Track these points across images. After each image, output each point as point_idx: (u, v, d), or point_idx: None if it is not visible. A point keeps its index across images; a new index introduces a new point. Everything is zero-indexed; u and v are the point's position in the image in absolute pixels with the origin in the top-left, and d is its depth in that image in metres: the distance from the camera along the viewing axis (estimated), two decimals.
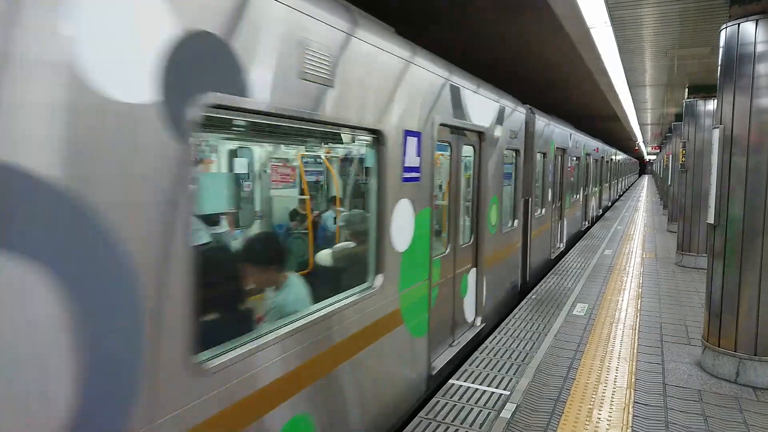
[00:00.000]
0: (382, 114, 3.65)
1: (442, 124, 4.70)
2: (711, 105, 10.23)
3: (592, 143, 16.95)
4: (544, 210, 9.79)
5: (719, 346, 5.09)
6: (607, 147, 21.31)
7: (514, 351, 5.64)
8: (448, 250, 5.34)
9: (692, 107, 10.64)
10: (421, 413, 4.24)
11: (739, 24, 4.86)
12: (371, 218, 3.80)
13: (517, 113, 7.57)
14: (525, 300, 7.72)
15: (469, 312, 6.01)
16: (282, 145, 5.34)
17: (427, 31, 8.21)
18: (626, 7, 5.91)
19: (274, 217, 5.63)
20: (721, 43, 5.09)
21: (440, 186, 5.64)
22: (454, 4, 7.31)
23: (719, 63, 5.14)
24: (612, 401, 4.48)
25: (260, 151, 5.34)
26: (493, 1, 7.18)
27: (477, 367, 5.19)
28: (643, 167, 77.38)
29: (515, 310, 7.16)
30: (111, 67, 1.76)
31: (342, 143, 4.27)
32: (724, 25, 5.04)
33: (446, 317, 5.37)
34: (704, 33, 6.83)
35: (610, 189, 22.52)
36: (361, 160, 4.57)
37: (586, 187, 16.27)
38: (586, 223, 16.89)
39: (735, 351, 4.96)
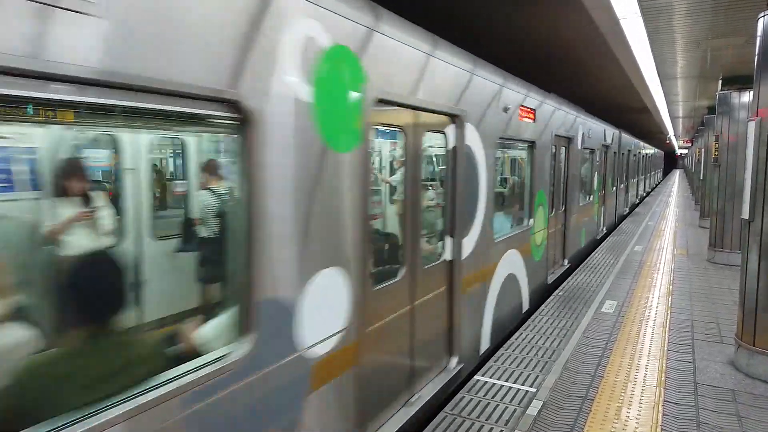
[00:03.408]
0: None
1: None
2: (746, 97, 9.91)
3: (611, 132, 14.35)
4: (532, 221, 7.31)
5: (754, 345, 4.95)
6: (621, 134, 16.45)
7: (540, 348, 5.58)
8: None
9: (726, 99, 10.34)
10: (446, 408, 4.24)
11: None
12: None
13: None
14: (552, 296, 7.63)
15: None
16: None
17: (453, 24, 8.16)
18: None
19: None
20: (759, 32, 4.93)
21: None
22: None
23: (756, 53, 4.98)
24: (641, 400, 4.40)
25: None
26: None
27: (503, 363, 5.16)
28: (674, 161, 75.50)
29: (542, 306, 7.08)
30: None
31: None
32: (762, 14, 4.89)
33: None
34: (739, 22, 6.62)
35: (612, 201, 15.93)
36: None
37: (604, 185, 13.84)
38: (603, 229, 14.17)
39: None
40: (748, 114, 8.77)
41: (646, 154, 30.57)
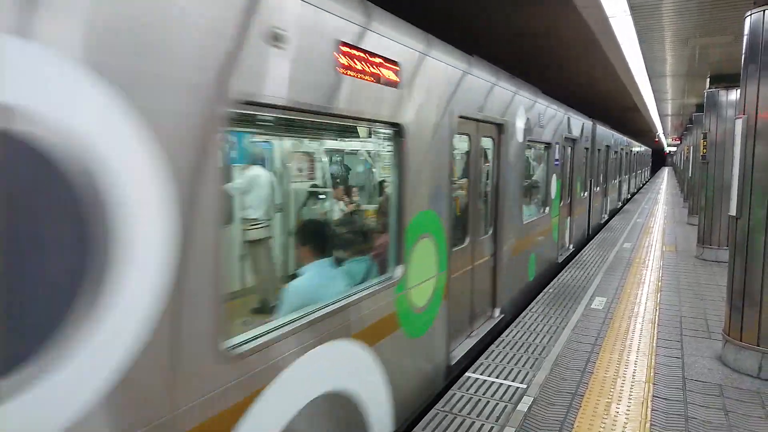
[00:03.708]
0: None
1: None
2: (733, 95, 10.00)
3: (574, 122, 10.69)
4: (402, 269, 3.97)
5: (741, 340, 5.00)
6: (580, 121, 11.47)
7: (531, 344, 5.61)
8: None
9: (714, 97, 10.42)
10: (438, 406, 4.25)
11: (764, 11, 4.74)
12: None
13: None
14: (542, 293, 7.67)
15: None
16: None
17: (446, 25, 8.16)
18: None
19: None
20: (746, 30, 4.97)
21: None
22: None
23: (743, 51, 5.02)
24: (630, 395, 4.44)
25: None
26: None
27: (493, 360, 5.18)
28: (663, 159, 76.15)
29: (532, 303, 7.11)
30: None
31: None
32: (749, 12, 4.93)
33: None
34: (727, 21, 6.68)
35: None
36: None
37: (571, 192, 10.97)
38: (570, 247, 11.32)
39: (758, 345, 4.87)
40: (735, 112, 8.87)
41: (631, 151, 25.69)
